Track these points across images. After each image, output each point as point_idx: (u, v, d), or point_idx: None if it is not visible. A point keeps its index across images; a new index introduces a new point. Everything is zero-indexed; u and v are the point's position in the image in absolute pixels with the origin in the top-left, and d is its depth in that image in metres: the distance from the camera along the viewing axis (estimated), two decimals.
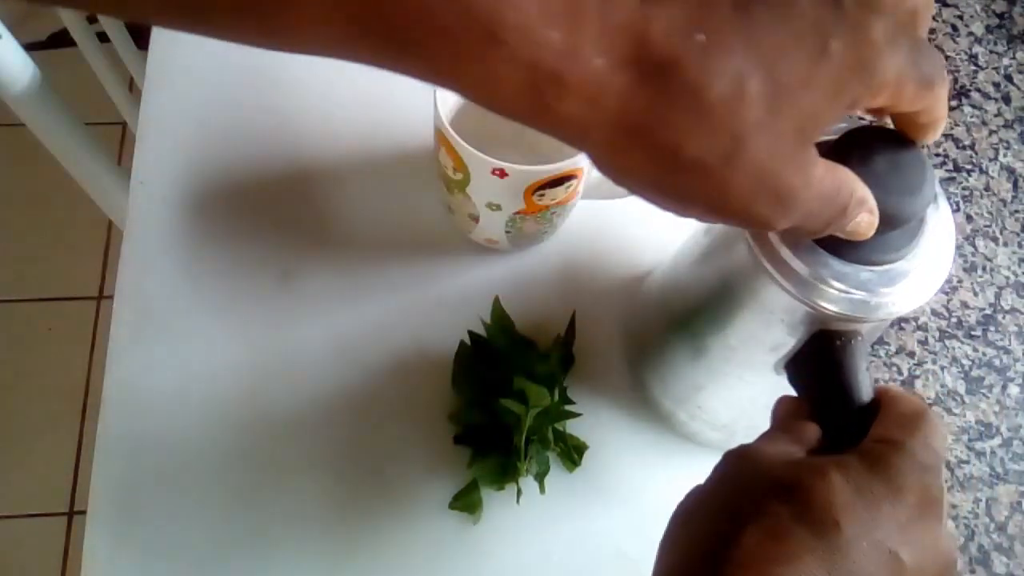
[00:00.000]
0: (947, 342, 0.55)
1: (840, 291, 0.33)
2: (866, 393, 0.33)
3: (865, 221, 0.28)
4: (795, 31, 0.22)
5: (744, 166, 0.22)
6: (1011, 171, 0.62)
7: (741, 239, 0.36)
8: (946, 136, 0.63)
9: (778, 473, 0.29)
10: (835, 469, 0.28)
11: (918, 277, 0.34)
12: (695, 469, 0.34)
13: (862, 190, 0.27)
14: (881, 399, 0.33)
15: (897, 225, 0.30)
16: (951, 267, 0.35)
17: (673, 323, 0.47)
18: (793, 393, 0.36)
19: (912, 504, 0.28)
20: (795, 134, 0.23)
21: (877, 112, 0.27)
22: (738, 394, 0.45)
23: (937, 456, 0.30)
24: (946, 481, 0.51)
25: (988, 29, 0.68)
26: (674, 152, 0.22)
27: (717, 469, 0.31)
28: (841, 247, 0.33)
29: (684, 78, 0.21)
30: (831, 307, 0.34)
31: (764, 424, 0.35)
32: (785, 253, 0.34)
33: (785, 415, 0.34)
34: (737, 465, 0.31)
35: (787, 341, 0.37)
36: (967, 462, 0.52)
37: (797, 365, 0.37)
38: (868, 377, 0.34)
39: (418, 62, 0.21)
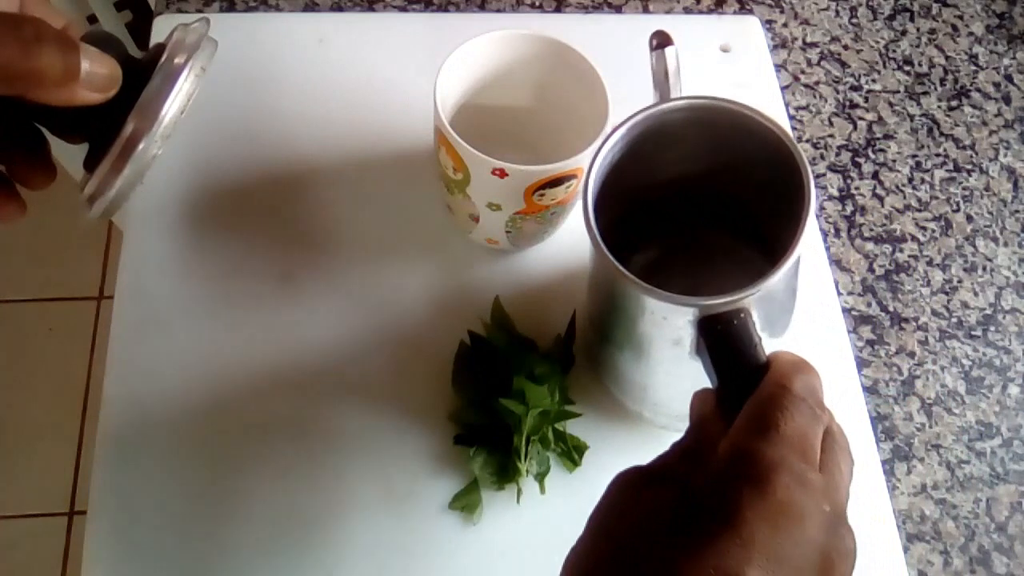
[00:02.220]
0: (947, 342, 0.55)
1: None
2: (760, 366, 0.34)
3: None
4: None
5: None
6: (1011, 171, 0.62)
7: (600, 251, 0.37)
8: (946, 136, 0.63)
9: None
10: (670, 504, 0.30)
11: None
12: None
13: None
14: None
15: None
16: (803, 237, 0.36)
17: (601, 329, 0.47)
18: None
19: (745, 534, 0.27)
20: None
21: None
22: (679, 387, 0.44)
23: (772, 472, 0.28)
24: (951, 480, 0.51)
25: (988, 29, 0.68)
26: None
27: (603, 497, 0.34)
28: None
29: None
30: (689, 299, 0.35)
31: None
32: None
33: (697, 410, 0.35)
34: (610, 498, 0.34)
35: (683, 334, 0.37)
36: (967, 462, 0.52)
37: (699, 353, 0.37)
38: (761, 350, 0.34)
39: None
